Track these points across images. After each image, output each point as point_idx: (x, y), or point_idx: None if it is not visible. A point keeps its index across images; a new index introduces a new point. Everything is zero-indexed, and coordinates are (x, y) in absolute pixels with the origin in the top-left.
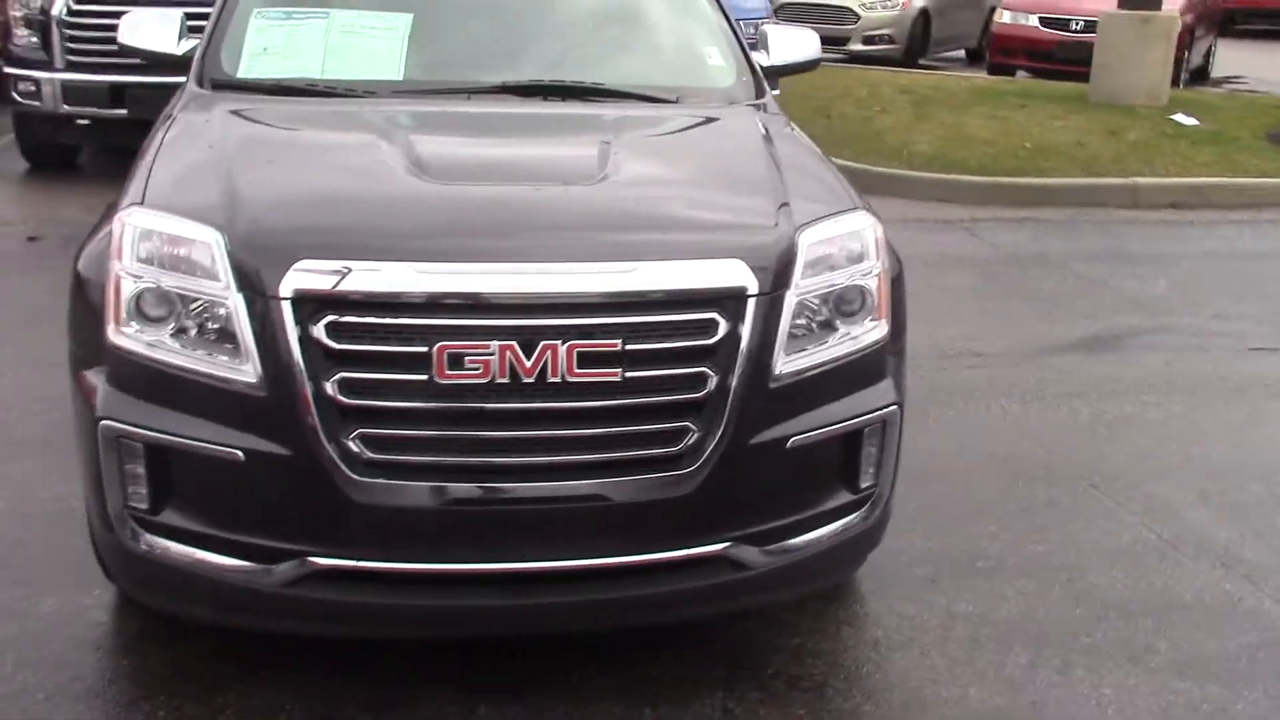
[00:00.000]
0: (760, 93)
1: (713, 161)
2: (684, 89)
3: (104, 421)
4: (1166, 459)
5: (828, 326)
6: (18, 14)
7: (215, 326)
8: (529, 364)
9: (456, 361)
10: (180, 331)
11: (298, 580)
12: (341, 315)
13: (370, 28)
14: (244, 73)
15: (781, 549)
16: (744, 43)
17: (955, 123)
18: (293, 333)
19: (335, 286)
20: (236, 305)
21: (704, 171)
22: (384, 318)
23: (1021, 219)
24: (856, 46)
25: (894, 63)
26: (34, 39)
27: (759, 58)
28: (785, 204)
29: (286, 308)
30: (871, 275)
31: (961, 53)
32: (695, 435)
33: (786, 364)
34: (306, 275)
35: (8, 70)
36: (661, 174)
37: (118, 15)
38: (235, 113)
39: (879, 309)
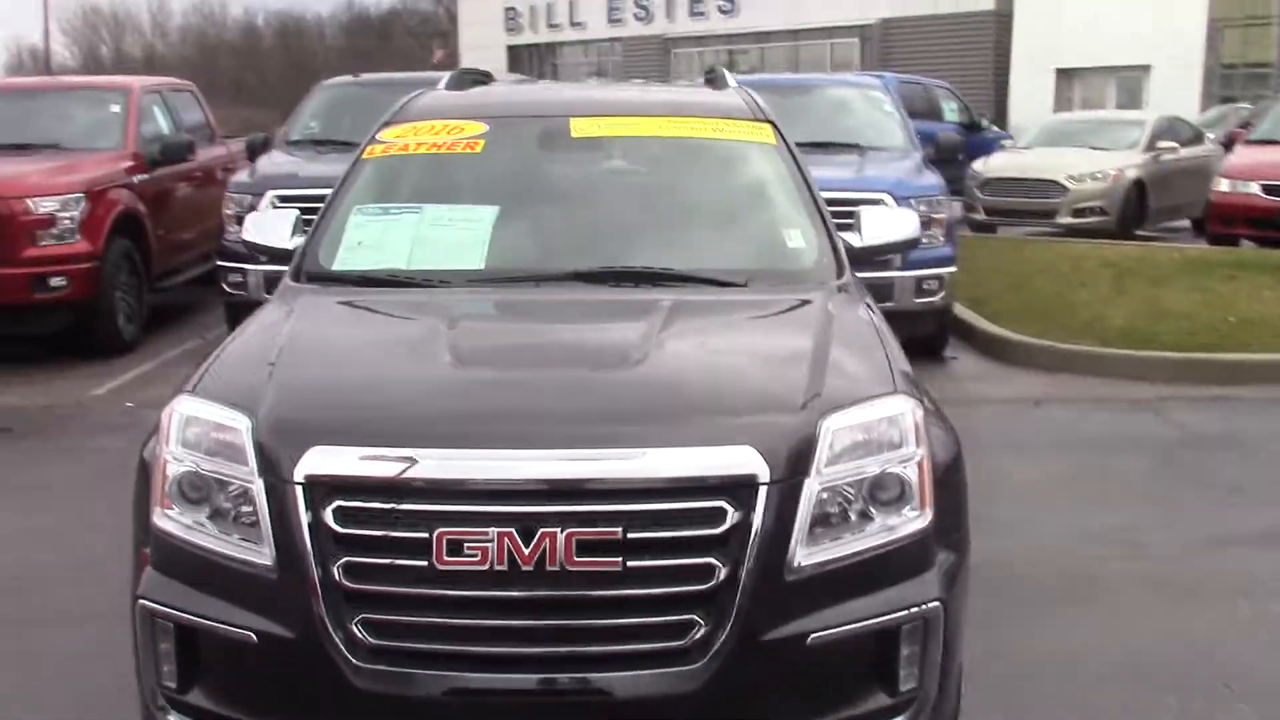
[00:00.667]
0: (840, 273)
1: (756, 346)
2: (757, 271)
3: (140, 601)
4: None
5: (864, 516)
6: (230, 212)
7: (245, 509)
8: (527, 552)
9: (455, 548)
10: (216, 515)
11: None
12: (348, 500)
13: (458, 220)
14: (337, 265)
15: None
16: (829, 223)
17: (1154, 296)
18: (304, 517)
19: (341, 471)
20: (259, 489)
21: (742, 356)
22: (386, 503)
23: (1215, 398)
24: (1066, 219)
25: (1109, 235)
26: None
27: (851, 238)
28: (818, 389)
29: (299, 492)
30: (911, 462)
31: (1187, 223)
32: (703, 629)
33: (808, 555)
34: (318, 460)
35: (220, 264)
36: (697, 359)
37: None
38: (310, 305)
39: (920, 498)
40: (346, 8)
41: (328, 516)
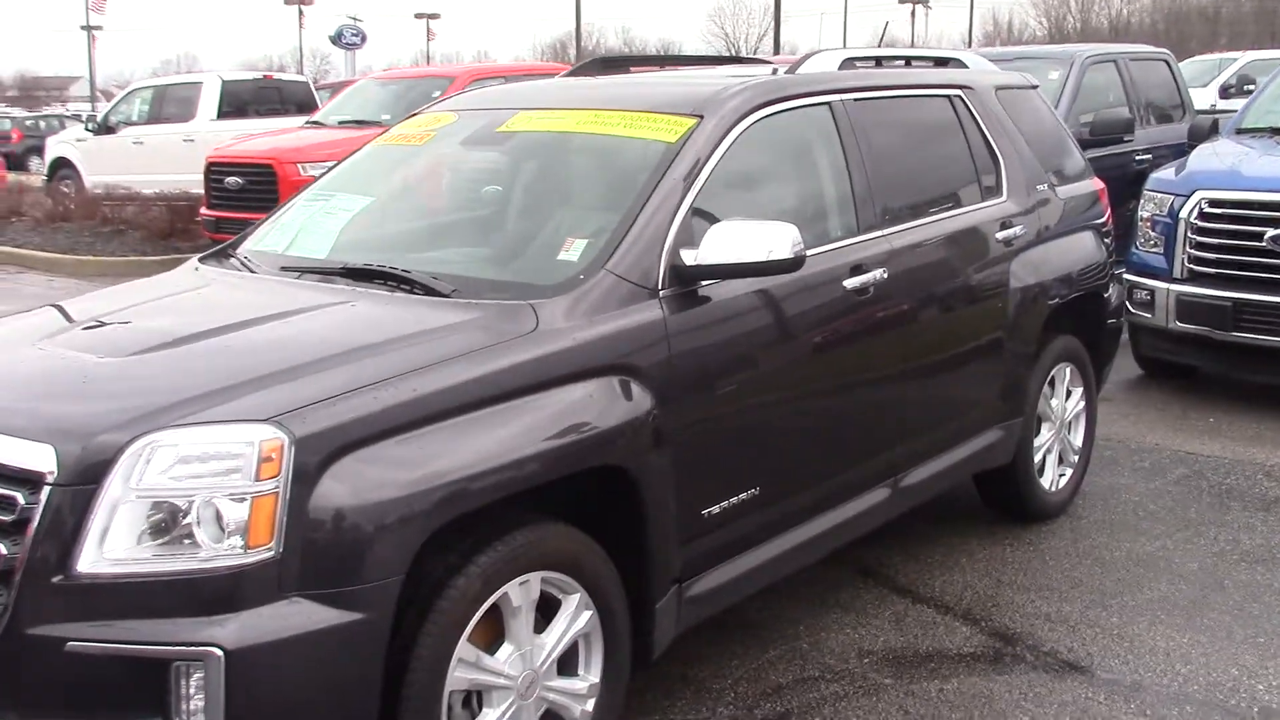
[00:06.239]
0: (581, 292)
1: (236, 359)
2: (484, 282)
3: None
4: None
5: (189, 539)
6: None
7: None
8: None
9: None
10: None
11: None
12: None
13: (338, 210)
14: (248, 244)
15: None
16: (641, 233)
17: None
18: None
19: None
20: None
21: (195, 369)
22: None
23: None
24: None
25: None
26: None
27: (686, 256)
28: (184, 406)
29: None
30: (246, 495)
31: None
32: None
33: (107, 564)
34: None
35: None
36: (168, 361)
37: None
38: (146, 279)
39: (250, 535)
40: None
41: None
